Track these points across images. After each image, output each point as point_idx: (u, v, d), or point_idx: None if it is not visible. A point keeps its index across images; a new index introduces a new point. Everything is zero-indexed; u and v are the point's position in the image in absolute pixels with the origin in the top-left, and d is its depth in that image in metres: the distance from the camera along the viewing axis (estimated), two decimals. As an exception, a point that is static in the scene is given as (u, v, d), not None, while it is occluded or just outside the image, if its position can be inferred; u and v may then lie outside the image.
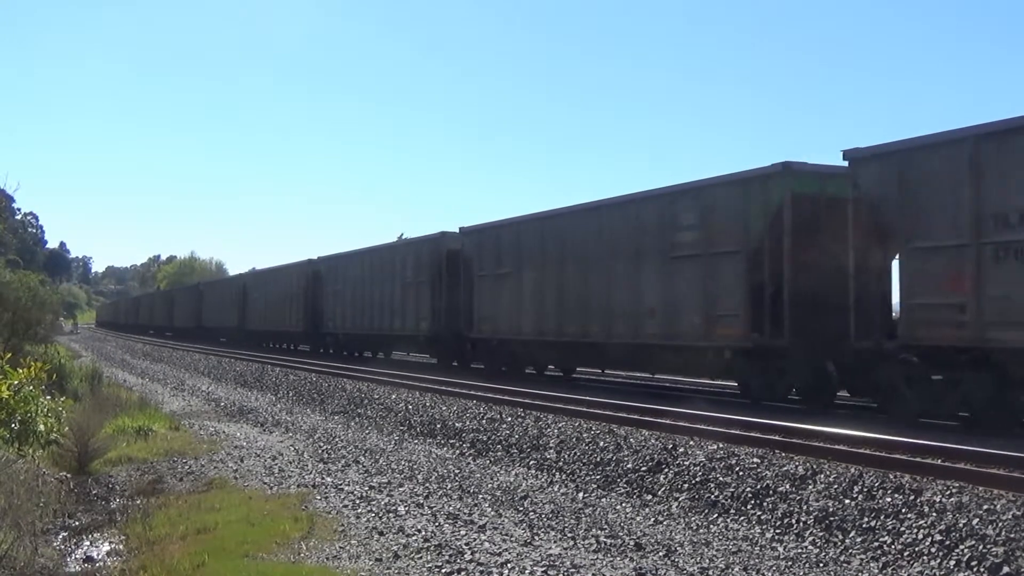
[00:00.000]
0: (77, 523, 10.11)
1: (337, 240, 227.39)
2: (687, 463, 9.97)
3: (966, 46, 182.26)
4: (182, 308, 60.74)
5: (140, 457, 13.42)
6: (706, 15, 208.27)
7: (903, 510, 7.60)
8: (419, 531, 8.07)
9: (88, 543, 9.30)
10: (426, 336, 25.11)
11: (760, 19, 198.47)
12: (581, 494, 10.13)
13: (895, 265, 12.51)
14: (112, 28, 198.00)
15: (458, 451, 13.14)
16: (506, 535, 7.97)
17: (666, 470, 10.05)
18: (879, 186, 12.20)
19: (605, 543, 7.77)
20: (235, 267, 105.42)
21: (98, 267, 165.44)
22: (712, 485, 9.35)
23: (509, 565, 6.94)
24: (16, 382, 12.83)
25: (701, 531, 8.40)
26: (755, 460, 9.47)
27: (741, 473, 9.30)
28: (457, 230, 24.36)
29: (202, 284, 60.04)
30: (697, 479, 9.58)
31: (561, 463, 11.34)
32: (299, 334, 36.77)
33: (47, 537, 9.15)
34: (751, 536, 8.13)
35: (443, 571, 6.87)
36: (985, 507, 7.20)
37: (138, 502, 10.74)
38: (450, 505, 9.33)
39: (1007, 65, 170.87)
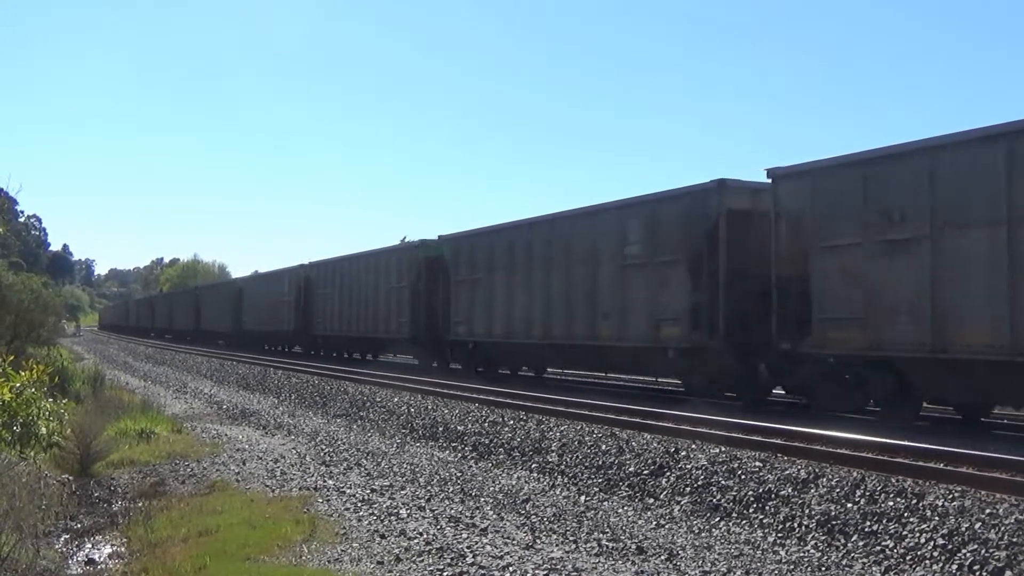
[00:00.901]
0: (79, 525, 10.13)
1: (339, 242, 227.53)
2: (689, 467, 9.97)
3: (967, 47, 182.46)
4: (211, 309, 51.72)
5: (142, 460, 13.44)
6: (706, 16, 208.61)
7: (905, 514, 7.59)
8: (421, 534, 8.07)
9: (90, 545, 9.33)
10: (681, 350, 15.23)
11: (760, 20, 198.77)
12: (583, 497, 10.12)
13: None
14: (114, 29, 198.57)
15: (460, 454, 13.14)
16: (508, 538, 7.97)
17: (668, 474, 10.04)
18: None
19: (607, 547, 7.76)
20: (238, 270, 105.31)
21: (101, 270, 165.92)
22: (714, 489, 9.34)
23: (511, 568, 6.94)
24: (18, 384, 12.83)
25: (703, 535, 8.40)
26: (757, 464, 9.47)
27: (743, 477, 9.30)
28: (713, 177, 14.79)
29: (240, 280, 49.71)
30: (699, 483, 9.58)
31: (563, 466, 11.33)
32: (402, 341, 26.61)
33: (49, 539, 9.16)
34: (753, 540, 8.12)
35: (445, 574, 6.87)
36: (987, 511, 7.20)
37: (140, 504, 10.76)
38: (452, 508, 9.32)
39: (1006, 66, 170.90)
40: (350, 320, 30.14)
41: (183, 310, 59.58)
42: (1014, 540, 6.70)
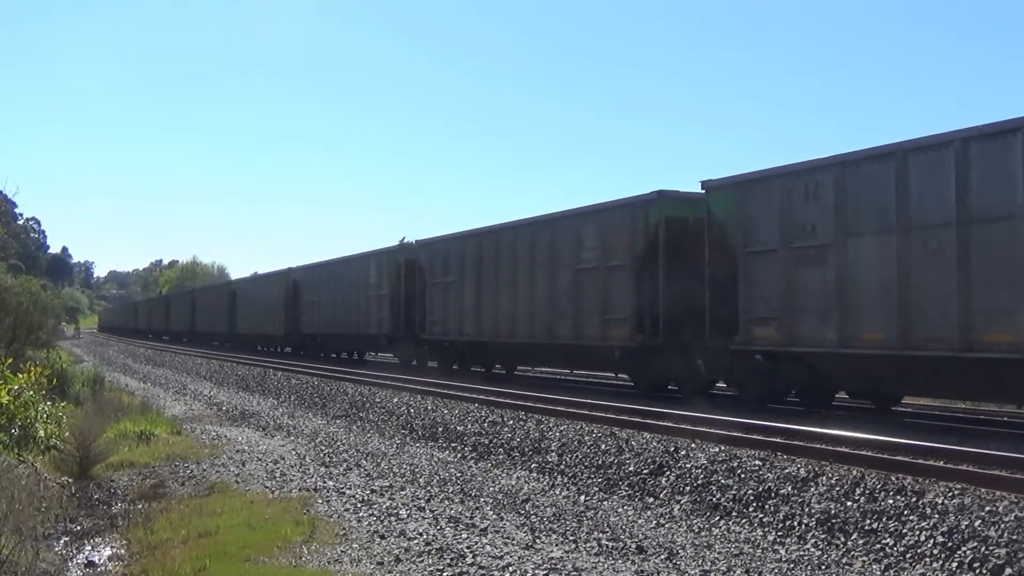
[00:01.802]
0: (79, 527, 10.13)
1: (339, 243, 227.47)
2: (689, 466, 9.96)
3: (964, 47, 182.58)
4: (251, 308, 42.50)
5: (142, 461, 13.43)
6: (707, 16, 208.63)
7: (905, 512, 7.59)
8: (421, 534, 8.06)
9: (90, 547, 9.32)
10: None
11: (762, 21, 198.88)
12: (583, 497, 10.12)
13: None
14: (114, 31, 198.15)
15: (460, 454, 13.13)
16: (508, 538, 7.96)
17: (668, 473, 10.04)
18: None
19: (607, 546, 7.76)
20: (237, 271, 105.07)
21: (100, 272, 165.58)
22: (714, 488, 9.34)
23: (511, 568, 6.93)
24: (16, 387, 12.82)
25: (703, 534, 8.40)
26: (757, 462, 9.46)
27: (743, 475, 9.29)
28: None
29: (297, 270, 37.56)
30: (699, 482, 9.57)
31: (563, 466, 11.33)
32: (613, 351, 17.33)
33: (49, 542, 9.17)
34: (753, 539, 8.12)
35: (445, 574, 6.86)
36: (987, 509, 7.20)
37: (140, 506, 10.76)
38: (452, 508, 9.32)
39: (1002, 66, 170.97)
40: (496, 320, 21.04)
41: (210, 310, 50.48)
42: (1014, 538, 6.70)
